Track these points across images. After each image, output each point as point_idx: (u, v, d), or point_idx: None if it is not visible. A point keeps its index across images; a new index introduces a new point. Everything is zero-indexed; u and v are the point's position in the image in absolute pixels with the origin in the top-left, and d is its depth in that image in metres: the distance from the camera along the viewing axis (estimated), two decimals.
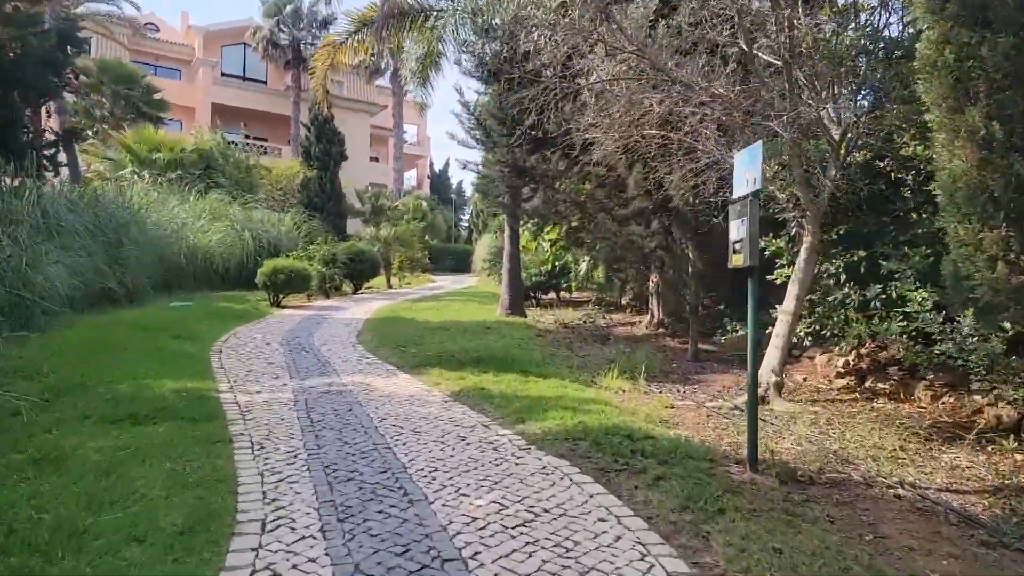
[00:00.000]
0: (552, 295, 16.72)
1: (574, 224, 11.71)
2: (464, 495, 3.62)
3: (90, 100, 25.75)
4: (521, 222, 12.58)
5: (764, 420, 5.68)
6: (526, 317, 12.40)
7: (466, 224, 47.12)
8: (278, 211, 20.41)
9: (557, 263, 14.19)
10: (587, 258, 13.66)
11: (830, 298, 6.39)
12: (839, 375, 6.96)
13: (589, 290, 17.61)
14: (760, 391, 6.15)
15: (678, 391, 6.96)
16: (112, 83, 25.74)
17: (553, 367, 7.75)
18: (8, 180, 9.87)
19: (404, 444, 4.53)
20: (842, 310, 6.30)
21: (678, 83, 6.01)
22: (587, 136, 6.99)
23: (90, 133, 25.70)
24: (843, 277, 6.35)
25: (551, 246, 14.12)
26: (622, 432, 4.83)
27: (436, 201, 38.08)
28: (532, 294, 15.22)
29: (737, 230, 4.30)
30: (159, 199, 16.34)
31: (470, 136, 11.21)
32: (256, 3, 33.71)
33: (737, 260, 4.31)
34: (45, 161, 12.54)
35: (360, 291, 17.68)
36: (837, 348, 7.16)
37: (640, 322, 11.85)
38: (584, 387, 6.72)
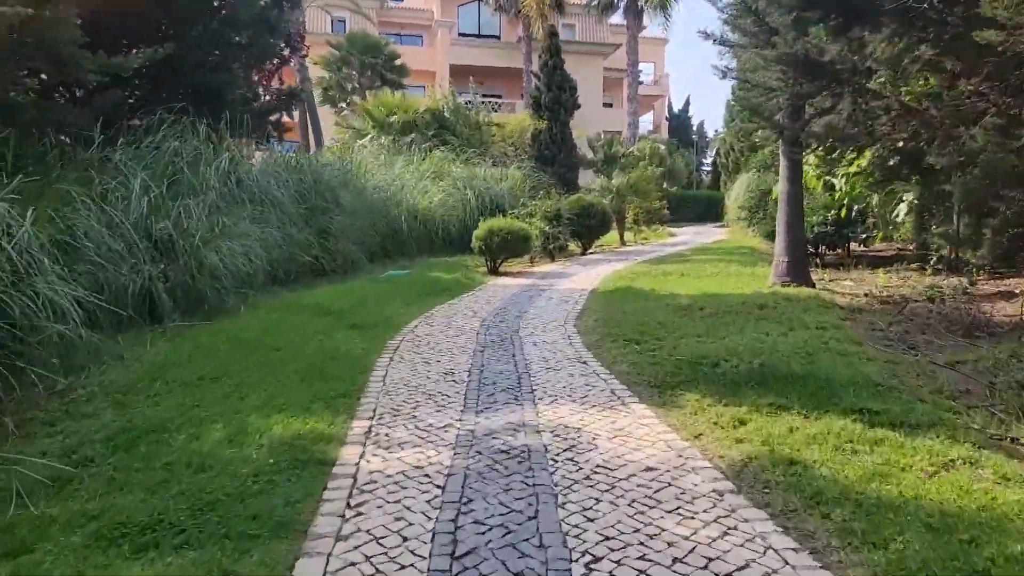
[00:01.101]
0: (838, 251, 12.28)
1: (900, 144, 7.47)
2: None
3: (341, 74, 26.90)
4: (806, 151, 8.61)
5: None
6: (814, 286, 8.56)
7: (708, 168, 41.69)
8: (508, 167, 18.63)
9: (856, 206, 9.83)
10: (908, 197, 9.15)
11: None
12: None
13: (893, 242, 12.69)
14: None
15: None
16: (359, 54, 26.51)
17: (910, 396, 4.20)
18: (233, 147, 9.07)
19: None
20: None
21: None
22: None
23: (344, 105, 27.01)
24: None
25: (846, 181, 9.80)
26: None
27: (675, 144, 33.68)
28: (813, 250, 11.08)
29: None
30: (386, 161, 15.50)
31: (732, 29, 7.59)
32: None
33: None
34: (270, 127, 11.99)
35: (589, 250, 15.09)
36: None
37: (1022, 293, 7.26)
38: (1015, 462, 3.15)
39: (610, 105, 36.98)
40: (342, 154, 12.75)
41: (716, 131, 48.69)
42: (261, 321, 6.17)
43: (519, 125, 25.51)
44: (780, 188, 8.67)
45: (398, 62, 27.08)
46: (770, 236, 13.22)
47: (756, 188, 14.25)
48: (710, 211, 31.75)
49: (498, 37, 35.23)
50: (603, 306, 7.74)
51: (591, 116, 31.29)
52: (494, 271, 11.32)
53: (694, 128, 41.90)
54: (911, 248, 12.64)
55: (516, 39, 33.62)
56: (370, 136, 19.72)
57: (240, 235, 7.54)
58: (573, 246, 14.60)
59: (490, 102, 30.55)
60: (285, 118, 16.05)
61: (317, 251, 9.30)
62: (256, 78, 12.93)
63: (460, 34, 34.32)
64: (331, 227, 9.76)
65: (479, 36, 34.87)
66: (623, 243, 16.87)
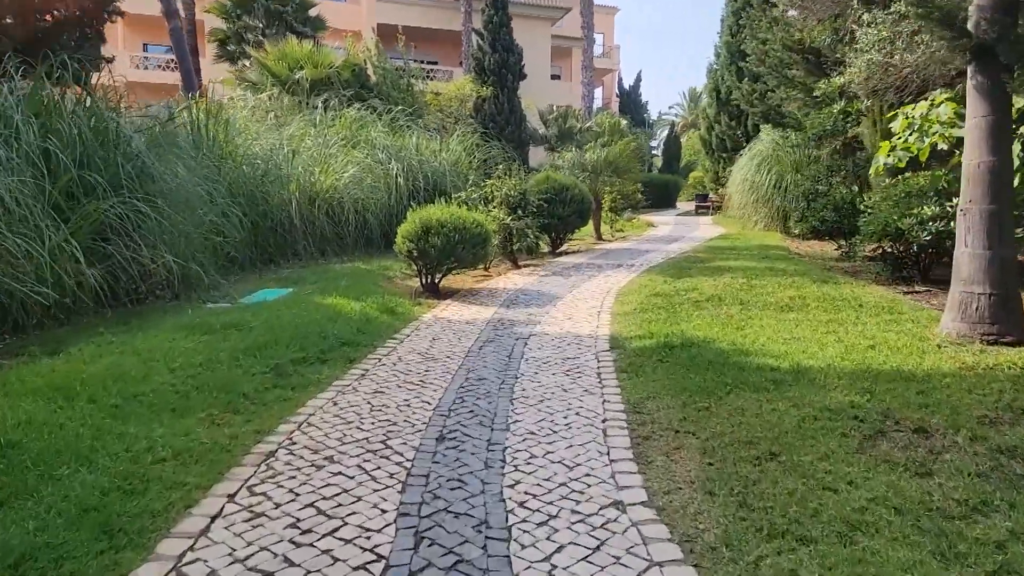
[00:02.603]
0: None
1: None
2: None
3: (240, 24, 21.24)
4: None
5: None
6: None
7: (656, 149, 38.27)
8: (447, 139, 13.99)
9: None
10: None
11: None
12: None
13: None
14: None
15: None
16: (264, 0, 20.96)
17: None
18: None
19: None
20: None
21: None
22: None
23: (247, 64, 21.40)
24: None
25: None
26: None
27: (631, 122, 29.85)
28: (913, 260, 7.19)
29: None
30: (277, 122, 10.68)
31: None
32: None
33: None
34: (79, 56, 6.98)
35: (560, 249, 10.81)
36: None
37: None
38: None
39: (558, 77, 32.67)
40: (200, 109, 7.88)
41: (661, 112, 45.28)
42: None
43: (458, 92, 20.79)
44: (967, 159, 4.60)
45: (313, 12, 21.77)
46: (815, 234, 9.41)
47: (819, 169, 10.08)
48: (665, 196, 28.49)
49: None
50: (671, 403, 3.45)
51: (538, 88, 26.99)
52: (432, 288, 6.85)
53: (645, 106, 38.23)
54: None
55: None
56: (268, 95, 14.61)
57: None
58: (542, 243, 10.27)
59: (425, 69, 25.64)
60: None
61: (88, 269, 4.55)
62: None
63: None
64: (124, 223, 4.99)
65: None
66: (599, 237, 12.67)
